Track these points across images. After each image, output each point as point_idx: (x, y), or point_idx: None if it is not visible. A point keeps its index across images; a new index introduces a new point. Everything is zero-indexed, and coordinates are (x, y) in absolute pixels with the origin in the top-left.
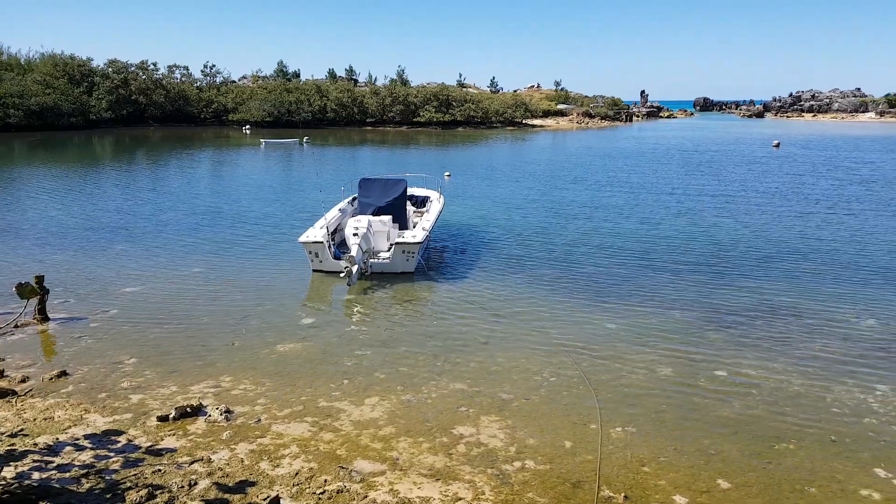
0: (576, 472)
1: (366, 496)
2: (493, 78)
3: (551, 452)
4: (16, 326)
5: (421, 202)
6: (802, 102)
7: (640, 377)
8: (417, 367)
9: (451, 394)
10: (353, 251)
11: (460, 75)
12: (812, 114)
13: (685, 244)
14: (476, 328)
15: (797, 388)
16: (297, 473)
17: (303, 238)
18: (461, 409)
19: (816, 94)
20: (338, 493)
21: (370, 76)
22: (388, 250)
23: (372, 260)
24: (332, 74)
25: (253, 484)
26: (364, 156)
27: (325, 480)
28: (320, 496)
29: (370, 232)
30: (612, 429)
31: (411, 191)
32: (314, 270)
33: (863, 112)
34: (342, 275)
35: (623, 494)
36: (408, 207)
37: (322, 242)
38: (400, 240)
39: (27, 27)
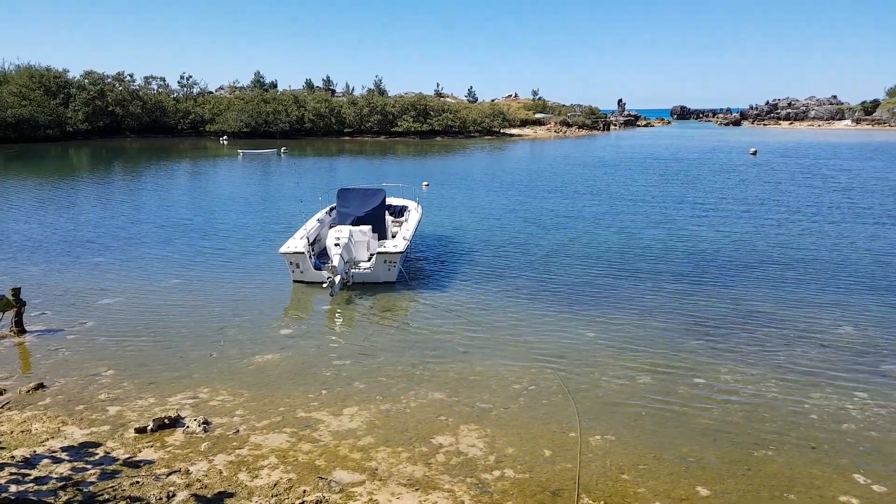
0: (555, 480)
1: None
2: (471, 87)
3: (530, 461)
4: None
5: (399, 212)
6: (779, 110)
7: (620, 385)
8: (396, 377)
9: (430, 403)
10: (335, 261)
11: (438, 85)
12: (789, 121)
13: (664, 253)
14: (455, 338)
15: (776, 395)
16: (275, 484)
17: (283, 249)
18: (440, 419)
19: (793, 102)
20: (317, 503)
21: (348, 86)
22: (368, 260)
23: (353, 270)
24: (309, 85)
25: (231, 495)
26: (342, 166)
27: (304, 491)
28: None
29: (351, 242)
30: (591, 437)
31: (389, 201)
32: (295, 281)
33: (839, 119)
34: (325, 285)
35: (602, 502)
36: (386, 217)
37: (303, 253)
38: (382, 249)
39: (2, 39)
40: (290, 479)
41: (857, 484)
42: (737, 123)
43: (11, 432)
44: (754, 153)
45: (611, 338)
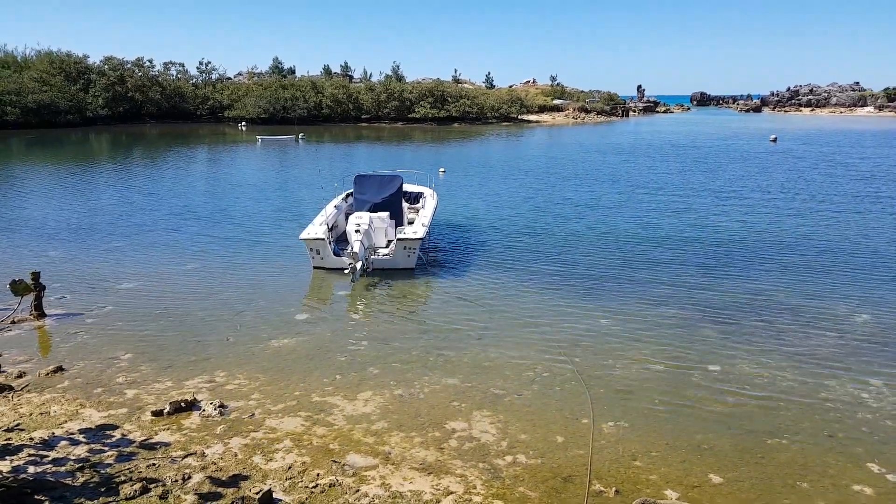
0: (567, 466)
1: (358, 490)
2: (489, 73)
3: (543, 447)
4: (12, 322)
5: (414, 198)
6: (800, 97)
7: (633, 372)
8: (410, 363)
9: (443, 389)
10: (356, 248)
11: (455, 71)
12: (810, 108)
13: (680, 241)
14: (470, 324)
15: (791, 383)
16: (290, 467)
17: (304, 235)
18: (453, 404)
19: (814, 89)
20: (330, 486)
21: (365, 72)
22: (387, 246)
23: (373, 256)
24: (327, 71)
25: (246, 478)
26: (359, 152)
27: (318, 474)
28: (313, 490)
29: (371, 228)
30: (604, 424)
31: (404, 187)
32: (315, 267)
33: (861, 106)
34: (346, 272)
35: (614, 489)
36: (402, 204)
37: (323, 239)
38: (402, 236)
39: (24, 25)
40: (305, 463)
41: (871, 473)
42: (757, 110)
43: (30, 414)
44: (774, 140)
45: (625, 326)
